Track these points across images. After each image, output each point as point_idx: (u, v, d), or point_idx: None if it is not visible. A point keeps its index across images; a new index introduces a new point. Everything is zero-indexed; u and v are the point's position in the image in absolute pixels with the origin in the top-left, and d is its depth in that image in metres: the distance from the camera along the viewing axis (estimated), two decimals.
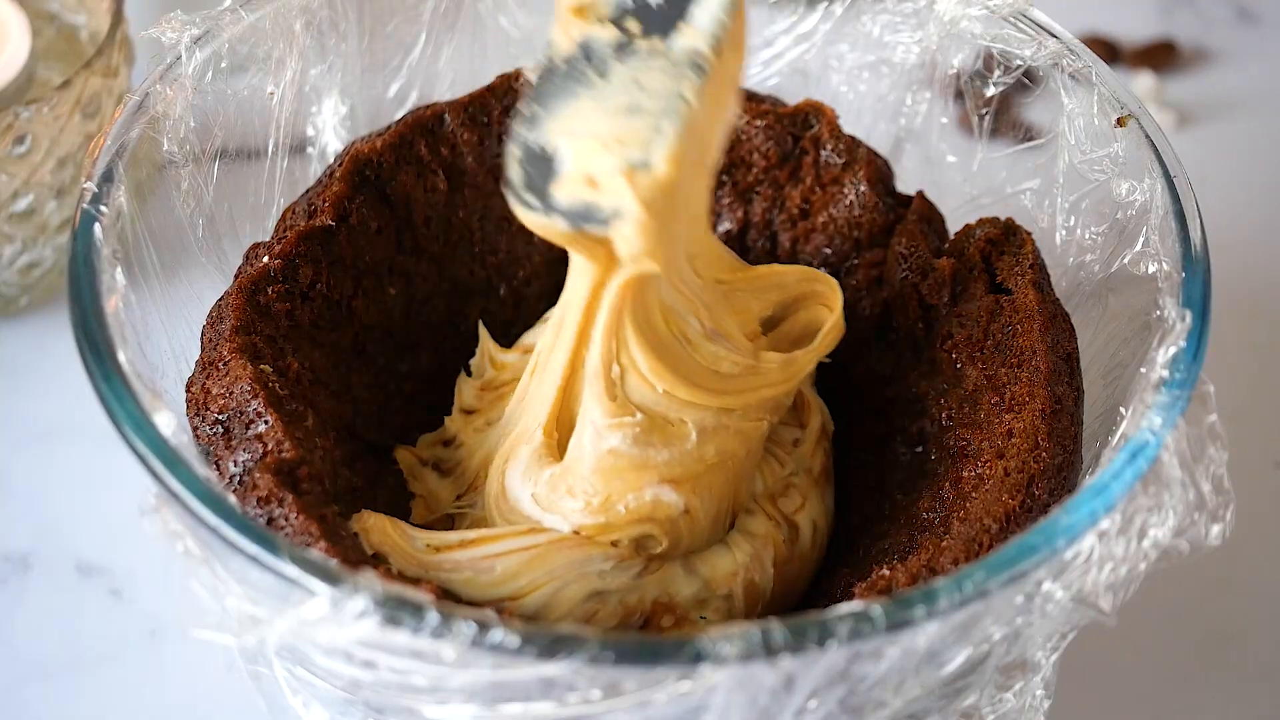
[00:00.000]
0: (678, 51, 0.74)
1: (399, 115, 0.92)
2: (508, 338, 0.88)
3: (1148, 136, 0.81)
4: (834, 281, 0.84)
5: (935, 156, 0.97)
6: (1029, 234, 0.85)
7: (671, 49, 0.74)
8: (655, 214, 0.71)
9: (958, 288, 0.85)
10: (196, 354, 0.80)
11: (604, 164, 0.71)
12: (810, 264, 0.90)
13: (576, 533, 0.75)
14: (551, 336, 0.80)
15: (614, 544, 0.76)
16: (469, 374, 0.88)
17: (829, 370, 0.85)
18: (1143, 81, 1.24)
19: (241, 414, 0.75)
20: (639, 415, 0.76)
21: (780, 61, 0.99)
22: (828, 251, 0.90)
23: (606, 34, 0.74)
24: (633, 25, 0.74)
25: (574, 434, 0.77)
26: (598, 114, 0.73)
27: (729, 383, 0.78)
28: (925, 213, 0.89)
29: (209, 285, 0.85)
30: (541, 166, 0.73)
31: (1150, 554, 0.65)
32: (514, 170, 0.73)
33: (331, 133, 0.95)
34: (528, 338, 0.87)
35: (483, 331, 0.88)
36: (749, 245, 0.92)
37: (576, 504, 0.75)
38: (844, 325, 0.83)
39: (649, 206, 0.70)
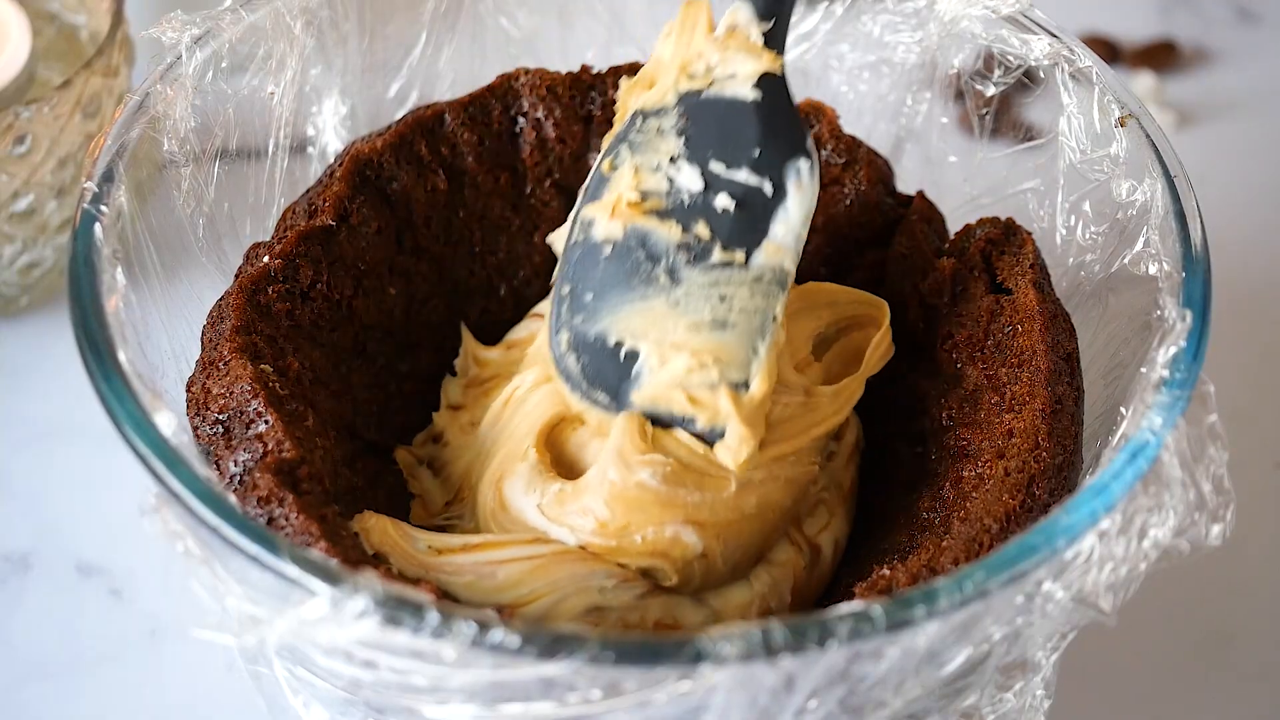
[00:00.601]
0: (761, 268, 0.75)
1: (399, 115, 0.92)
2: None
3: (1148, 136, 0.81)
4: (883, 303, 0.84)
5: (936, 156, 0.97)
6: (1029, 234, 0.85)
7: (754, 264, 0.75)
8: (757, 428, 0.74)
9: (958, 288, 0.85)
10: (197, 354, 0.80)
11: (701, 380, 0.74)
12: (811, 264, 0.90)
13: (583, 548, 0.75)
14: (534, 376, 0.81)
15: (620, 565, 0.75)
16: (454, 374, 0.88)
17: None
18: (1143, 81, 1.24)
19: (242, 414, 0.75)
20: (670, 458, 0.76)
21: None
22: (828, 251, 0.90)
23: (669, 233, 0.75)
24: (702, 230, 0.75)
25: (599, 459, 0.76)
26: (679, 324, 0.74)
27: (780, 430, 0.77)
28: (925, 213, 0.89)
29: (209, 285, 0.85)
30: (608, 363, 0.75)
31: (1150, 554, 0.65)
32: (569, 359, 0.76)
33: (332, 133, 0.95)
34: (513, 334, 0.87)
35: (465, 332, 0.88)
36: None
37: (589, 523, 0.75)
38: (893, 347, 0.83)
39: (753, 426, 0.73)
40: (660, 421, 0.75)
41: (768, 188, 0.75)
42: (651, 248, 0.75)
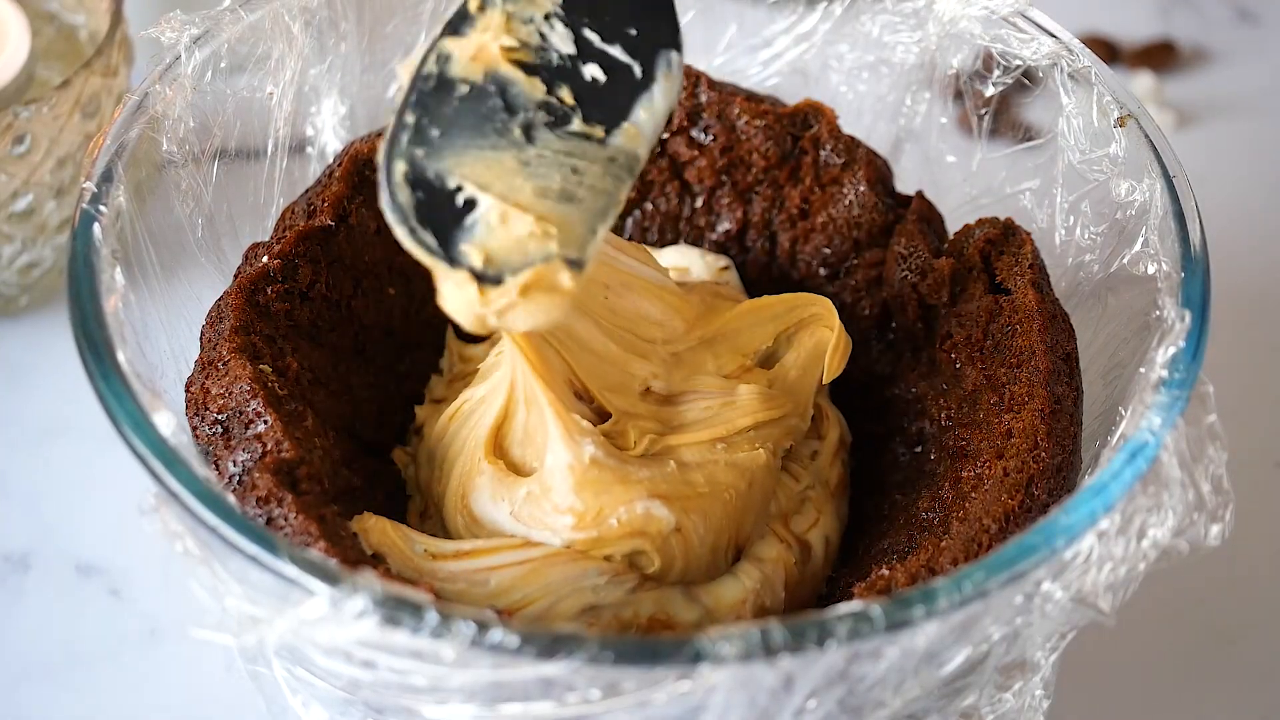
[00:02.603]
0: (617, 150, 0.72)
1: None
2: None
3: (1147, 136, 0.81)
4: (827, 301, 0.84)
5: (935, 156, 0.97)
6: (1028, 234, 0.85)
7: (611, 143, 0.72)
8: (554, 299, 0.69)
9: (957, 288, 0.85)
10: (196, 354, 0.80)
11: (538, 250, 0.69)
12: (810, 264, 0.90)
13: (569, 548, 0.75)
14: (484, 390, 0.81)
15: (607, 559, 0.75)
16: (439, 374, 0.88)
17: None
18: (1142, 81, 1.24)
19: (241, 414, 0.75)
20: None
21: (780, 61, 0.99)
22: (827, 251, 0.90)
23: (531, 89, 0.73)
24: (565, 95, 0.73)
25: (548, 449, 0.76)
26: (526, 185, 0.70)
27: (703, 421, 0.79)
28: (924, 213, 0.89)
29: (208, 285, 0.85)
30: (443, 205, 0.69)
31: (1150, 554, 0.65)
32: (402, 192, 0.69)
33: (331, 133, 0.95)
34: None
35: (449, 333, 0.88)
36: (748, 245, 0.92)
37: (566, 520, 0.75)
38: (850, 340, 0.83)
39: (550, 295, 0.69)
40: (484, 278, 0.69)
41: (637, 70, 0.74)
42: (511, 100, 0.72)
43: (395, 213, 0.69)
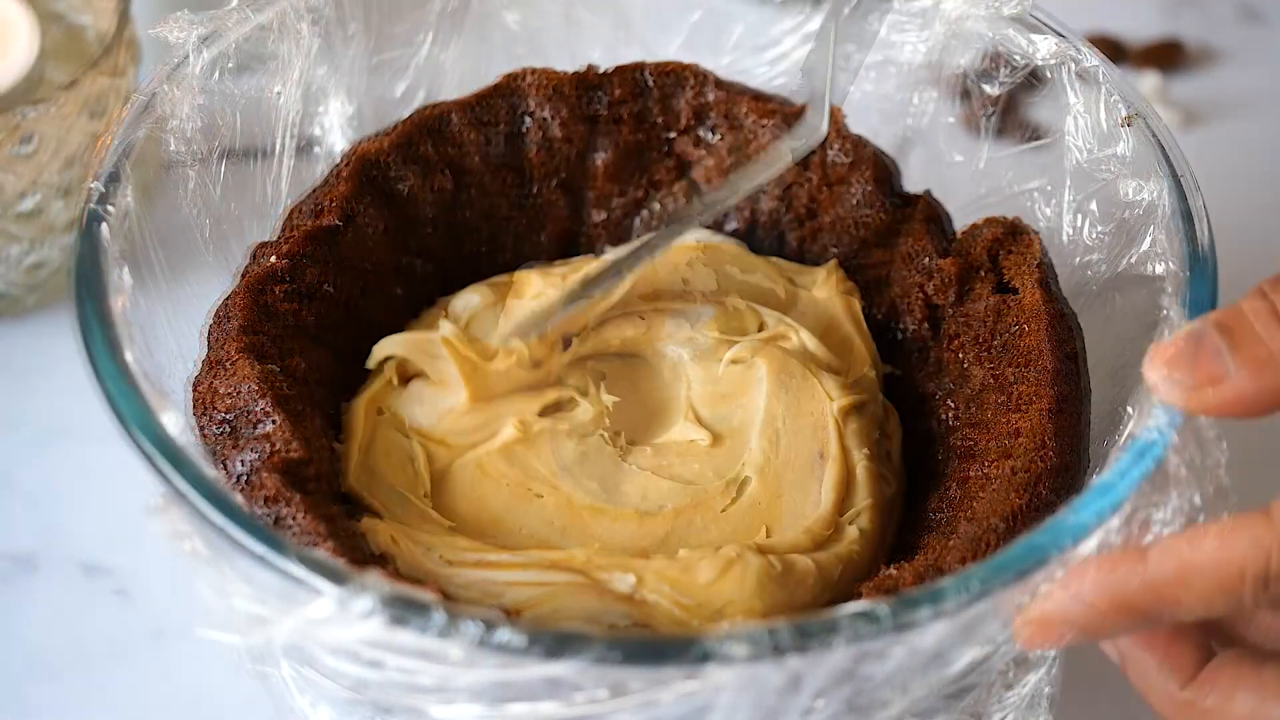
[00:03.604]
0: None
1: (405, 115, 0.92)
2: None
3: (1154, 136, 0.81)
4: (851, 301, 0.85)
5: (941, 156, 0.97)
6: (1035, 233, 0.85)
7: None
8: None
9: (963, 287, 0.85)
10: (202, 353, 0.80)
11: None
12: (815, 264, 0.90)
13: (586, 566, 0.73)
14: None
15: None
16: None
17: None
18: (1148, 81, 1.24)
19: (248, 413, 0.75)
20: None
21: (787, 61, 0.99)
22: (834, 251, 0.90)
23: None
24: None
25: None
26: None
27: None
28: (931, 212, 0.89)
29: (215, 285, 0.85)
30: None
31: None
32: None
33: (338, 132, 0.95)
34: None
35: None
36: (756, 245, 0.92)
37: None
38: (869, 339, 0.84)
39: None
40: None
41: None
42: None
43: None
